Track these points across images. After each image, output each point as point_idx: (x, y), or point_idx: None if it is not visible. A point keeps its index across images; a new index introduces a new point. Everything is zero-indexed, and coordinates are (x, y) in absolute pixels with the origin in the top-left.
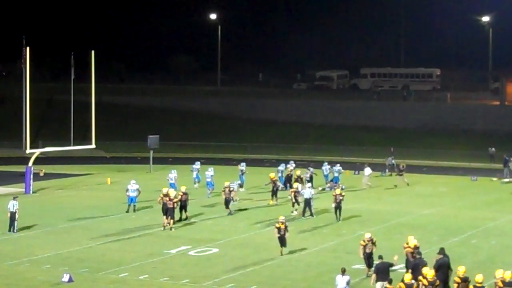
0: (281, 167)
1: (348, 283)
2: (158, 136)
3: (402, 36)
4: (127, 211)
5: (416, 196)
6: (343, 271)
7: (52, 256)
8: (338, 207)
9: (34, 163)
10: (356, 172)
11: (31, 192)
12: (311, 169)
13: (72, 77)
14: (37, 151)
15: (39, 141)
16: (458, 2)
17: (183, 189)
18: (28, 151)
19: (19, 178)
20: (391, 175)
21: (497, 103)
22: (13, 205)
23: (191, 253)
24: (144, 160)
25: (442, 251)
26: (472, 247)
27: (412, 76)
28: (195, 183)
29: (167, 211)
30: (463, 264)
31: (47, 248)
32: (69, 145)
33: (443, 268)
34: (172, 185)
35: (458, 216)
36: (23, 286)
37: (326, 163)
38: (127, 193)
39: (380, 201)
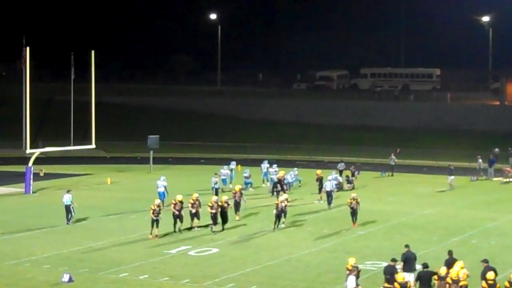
0: (233, 165)
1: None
2: (158, 136)
3: (402, 36)
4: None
5: (416, 196)
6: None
7: (52, 256)
8: (282, 212)
9: (34, 163)
10: (357, 172)
11: (31, 192)
12: (343, 164)
13: (72, 77)
14: (37, 151)
15: (39, 141)
16: (458, 2)
17: (179, 197)
18: (28, 151)
19: (19, 178)
20: (392, 175)
21: (497, 103)
22: (67, 198)
23: (191, 253)
24: (144, 160)
25: (408, 246)
26: (472, 247)
27: (412, 76)
28: (263, 182)
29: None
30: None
31: (47, 248)
32: (69, 145)
33: (410, 261)
34: (224, 181)
35: (458, 216)
36: (23, 286)
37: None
38: (157, 189)
39: (380, 201)
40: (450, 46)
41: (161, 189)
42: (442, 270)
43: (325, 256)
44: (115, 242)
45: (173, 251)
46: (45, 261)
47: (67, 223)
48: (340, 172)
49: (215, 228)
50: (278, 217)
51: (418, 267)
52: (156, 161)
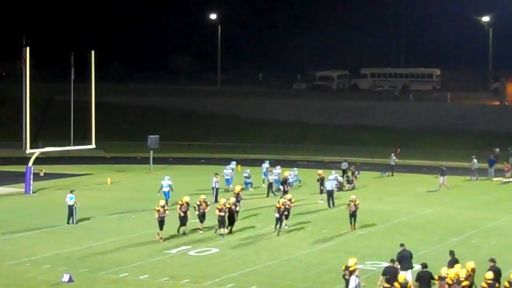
0: (233, 165)
1: (358, 284)
2: (158, 136)
3: (402, 36)
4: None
5: (416, 196)
6: (358, 274)
7: (52, 256)
8: (283, 214)
9: (34, 163)
10: (357, 172)
11: (31, 192)
12: (346, 163)
13: (72, 77)
14: (37, 151)
15: (39, 141)
16: (458, 2)
17: (187, 198)
18: (28, 151)
19: (19, 178)
20: (392, 175)
21: (497, 103)
22: (70, 198)
23: (191, 253)
24: (144, 160)
25: (402, 245)
26: (472, 247)
27: (412, 76)
28: (263, 182)
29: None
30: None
31: (47, 248)
32: (69, 145)
33: (405, 259)
34: (228, 181)
35: (458, 216)
36: (23, 286)
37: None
38: (162, 189)
39: (380, 201)
40: (450, 46)
41: (166, 189)
42: (443, 270)
43: (325, 256)
44: (115, 242)
45: (173, 251)
46: (45, 261)
47: (67, 223)
48: (343, 172)
49: (221, 231)
50: (279, 220)
51: (417, 266)
52: (156, 161)
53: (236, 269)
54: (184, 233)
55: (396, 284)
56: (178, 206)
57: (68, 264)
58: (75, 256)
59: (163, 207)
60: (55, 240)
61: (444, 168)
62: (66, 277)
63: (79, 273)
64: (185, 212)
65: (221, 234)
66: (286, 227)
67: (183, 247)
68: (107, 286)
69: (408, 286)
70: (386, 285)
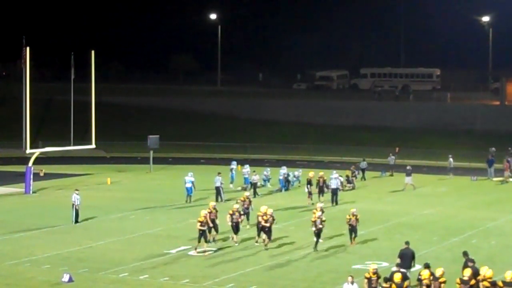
0: (233, 165)
1: None
2: (158, 136)
3: (402, 36)
4: (186, 201)
5: (416, 196)
6: (352, 281)
7: (52, 256)
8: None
9: (34, 163)
10: (357, 172)
11: (31, 192)
12: (365, 163)
13: (72, 77)
14: (37, 151)
15: (39, 141)
16: (458, 2)
17: (213, 203)
18: (28, 151)
19: (19, 178)
20: (392, 175)
21: (497, 103)
22: (74, 197)
23: (191, 253)
24: (144, 160)
25: (407, 243)
26: (472, 247)
27: (412, 76)
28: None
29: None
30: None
31: (47, 248)
32: (69, 145)
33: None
34: (246, 180)
35: (458, 216)
36: (23, 286)
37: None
38: (185, 185)
39: (380, 201)
40: (450, 46)
41: (189, 185)
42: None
43: (325, 256)
44: (115, 242)
45: (173, 251)
46: (45, 261)
47: (73, 223)
48: (363, 171)
49: (266, 242)
50: (318, 235)
51: (418, 266)
52: (156, 161)
53: (236, 269)
54: (213, 240)
55: (392, 285)
56: (207, 214)
57: (68, 264)
58: (75, 256)
59: (205, 216)
60: (55, 240)
61: (410, 168)
62: (66, 277)
63: (79, 273)
64: (213, 220)
65: (267, 248)
66: (321, 241)
67: (183, 247)
68: (107, 286)
69: (405, 286)
70: (385, 285)
